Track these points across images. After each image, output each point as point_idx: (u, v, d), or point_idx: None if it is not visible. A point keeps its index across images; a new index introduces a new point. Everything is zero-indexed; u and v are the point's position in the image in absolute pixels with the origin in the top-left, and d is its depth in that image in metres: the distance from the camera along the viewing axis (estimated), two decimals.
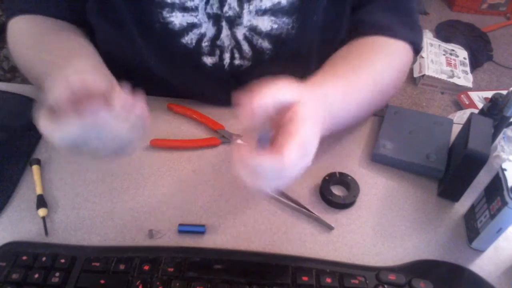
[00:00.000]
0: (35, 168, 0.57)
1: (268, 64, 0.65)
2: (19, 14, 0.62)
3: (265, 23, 0.60)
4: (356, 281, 0.46)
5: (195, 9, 0.58)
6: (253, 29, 0.61)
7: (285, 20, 0.60)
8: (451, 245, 0.52)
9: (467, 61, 2.16)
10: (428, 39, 2.25)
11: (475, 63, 2.21)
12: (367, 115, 0.63)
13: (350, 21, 0.64)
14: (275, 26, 0.60)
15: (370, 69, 0.57)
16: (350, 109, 0.54)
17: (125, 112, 0.42)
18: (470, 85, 2.05)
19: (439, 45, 2.22)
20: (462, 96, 1.97)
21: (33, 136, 0.62)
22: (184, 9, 0.58)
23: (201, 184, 0.57)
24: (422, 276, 0.46)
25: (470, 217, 0.53)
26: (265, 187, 0.41)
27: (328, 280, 0.45)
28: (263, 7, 0.58)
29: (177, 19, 0.59)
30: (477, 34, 2.36)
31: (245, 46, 0.63)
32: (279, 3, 0.58)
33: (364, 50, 0.60)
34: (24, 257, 0.47)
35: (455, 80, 2.04)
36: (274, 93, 0.40)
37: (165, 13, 0.58)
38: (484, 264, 0.50)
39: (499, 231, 0.48)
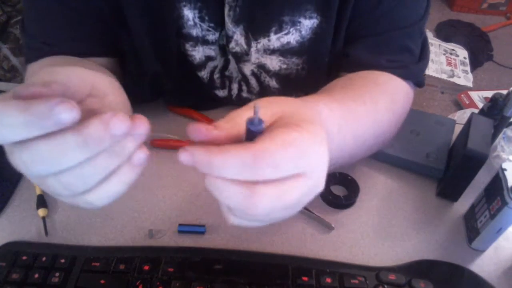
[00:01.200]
0: None
1: None
2: (48, 56, 0.52)
3: (274, 63, 0.59)
4: (356, 281, 0.45)
5: (214, 42, 0.58)
6: (261, 67, 0.60)
7: (294, 60, 0.58)
8: (451, 245, 0.52)
9: (467, 61, 2.16)
10: (428, 38, 2.25)
11: (475, 63, 2.20)
12: (356, 158, 0.50)
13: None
14: (284, 66, 0.59)
15: (371, 105, 0.47)
16: (346, 140, 0.43)
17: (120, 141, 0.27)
18: (470, 84, 2.05)
19: (439, 45, 2.22)
20: (462, 95, 1.97)
21: None
22: (204, 42, 0.58)
23: (201, 184, 0.57)
24: (422, 276, 0.46)
25: (470, 217, 0.53)
26: (236, 209, 0.28)
27: (328, 280, 0.45)
28: (271, 47, 0.57)
29: (198, 53, 0.59)
30: (477, 34, 2.36)
31: (253, 81, 0.63)
32: (288, 43, 0.56)
33: (366, 84, 0.51)
34: (24, 257, 0.47)
35: (455, 80, 2.04)
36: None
37: (187, 46, 0.58)
38: (484, 264, 0.50)
39: (499, 231, 0.48)
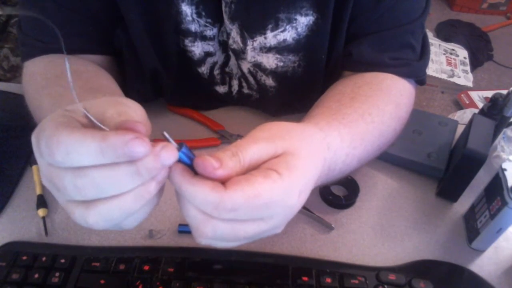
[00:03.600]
0: (35, 168, 0.57)
1: (274, 98, 0.64)
2: (41, 55, 0.53)
3: (270, 61, 0.58)
4: (356, 281, 0.45)
5: (212, 38, 0.58)
6: (257, 66, 0.60)
7: (291, 57, 0.58)
8: (451, 245, 0.52)
9: (467, 61, 2.16)
10: (428, 38, 2.25)
11: (475, 63, 2.21)
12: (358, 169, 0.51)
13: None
14: (281, 64, 0.59)
15: (378, 119, 0.48)
16: (351, 165, 0.45)
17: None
18: (470, 84, 2.05)
19: (439, 45, 2.22)
20: (462, 95, 1.97)
21: None
22: (203, 37, 0.58)
23: None
24: (422, 276, 0.46)
25: (470, 217, 0.53)
26: (191, 227, 0.31)
27: (328, 280, 0.45)
28: (268, 45, 0.56)
29: (198, 49, 0.59)
30: (477, 34, 2.36)
31: (251, 79, 0.63)
32: (284, 40, 0.56)
33: (372, 92, 0.51)
34: (24, 257, 0.47)
35: (455, 80, 2.04)
36: (257, 148, 0.32)
37: (187, 42, 0.58)
38: (484, 264, 0.50)
39: (499, 231, 0.48)
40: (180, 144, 0.29)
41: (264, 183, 0.29)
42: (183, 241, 0.51)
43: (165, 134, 0.29)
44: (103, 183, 0.27)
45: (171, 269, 0.46)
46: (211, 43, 0.59)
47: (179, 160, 0.29)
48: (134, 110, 0.30)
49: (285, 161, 0.32)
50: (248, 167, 0.31)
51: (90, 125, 0.30)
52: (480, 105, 1.84)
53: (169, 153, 0.28)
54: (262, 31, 0.55)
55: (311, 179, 0.35)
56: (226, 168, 0.30)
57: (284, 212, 0.32)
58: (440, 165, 0.58)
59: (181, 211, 0.31)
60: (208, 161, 0.29)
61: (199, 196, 0.29)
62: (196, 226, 0.30)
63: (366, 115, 0.47)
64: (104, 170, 0.27)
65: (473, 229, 0.51)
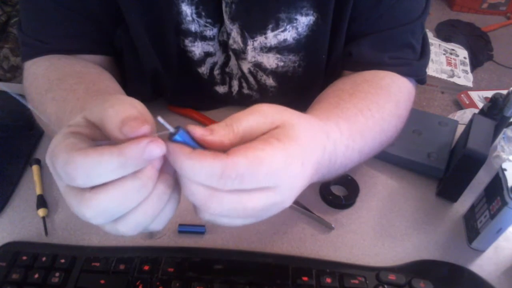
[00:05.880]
0: (35, 168, 0.57)
1: (274, 98, 0.64)
2: (42, 55, 0.53)
3: (270, 61, 0.59)
4: (356, 281, 0.45)
5: (212, 38, 0.58)
6: (257, 65, 0.60)
7: (291, 57, 0.58)
8: (451, 245, 0.52)
9: (467, 61, 2.16)
10: (428, 38, 2.25)
11: (476, 63, 2.21)
12: (358, 165, 0.49)
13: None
14: (281, 63, 0.59)
15: (379, 116, 0.48)
16: (352, 158, 0.44)
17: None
18: (470, 84, 2.05)
19: (439, 45, 2.22)
20: (462, 95, 1.97)
21: (33, 136, 0.62)
22: (203, 37, 0.58)
23: None
24: (422, 276, 0.46)
25: (470, 217, 0.53)
26: (196, 205, 0.30)
27: (328, 280, 0.45)
28: (268, 44, 0.57)
29: (198, 49, 0.59)
30: (477, 34, 2.36)
31: (251, 79, 0.63)
32: (284, 40, 0.56)
33: (372, 89, 0.51)
34: (24, 257, 0.47)
35: (455, 80, 2.04)
36: (252, 118, 0.32)
37: (187, 42, 0.58)
38: (484, 264, 0.50)
39: (499, 231, 0.48)
40: (176, 128, 0.29)
41: (265, 149, 0.29)
42: (183, 241, 0.51)
43: (160, 119, 0.28)
44: (130, 196, 0.28)
45: (171, 269, 0.46)
46: (211, 43, 0.59)
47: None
48: (131, 104, 0.30)
49: (284, 131, 0.31)
50: (243, 135, 0.31)
51: (98, 135, 0.30)
52: (480, 105, 1.84)
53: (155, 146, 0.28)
54: (262, 31, 0.55)
55: (312, 155, 0.34)
56: (216, 135, 0.29)
57: (289, 181, 0.31)
58: (440, 165, 0.58)
59: (183, 192, 0.30)
60: (197, 128, 0.29)
61: (201, 168, 0.28)
62: (202, 202, 0.29)
63: (366, 110, 0.47)
64: (127, 182, 0.27)
65: (473, 229, 0.51)
